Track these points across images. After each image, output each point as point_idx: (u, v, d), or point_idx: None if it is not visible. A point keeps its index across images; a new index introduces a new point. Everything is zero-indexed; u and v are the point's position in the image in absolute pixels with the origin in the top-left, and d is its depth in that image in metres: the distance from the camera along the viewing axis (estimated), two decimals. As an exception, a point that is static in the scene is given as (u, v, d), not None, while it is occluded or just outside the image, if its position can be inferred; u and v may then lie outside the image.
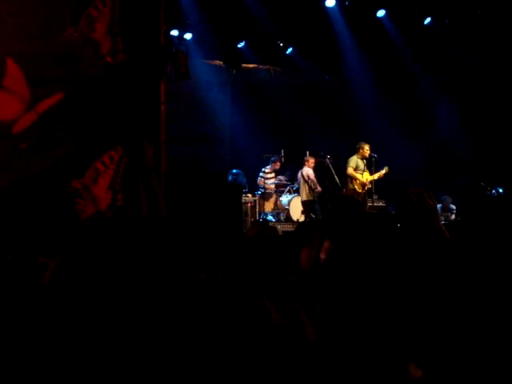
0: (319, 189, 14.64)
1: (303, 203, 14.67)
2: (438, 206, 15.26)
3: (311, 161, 14.84)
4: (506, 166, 15.06)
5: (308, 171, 14.66)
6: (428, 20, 15.82)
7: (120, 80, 8.49)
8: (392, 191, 15.31)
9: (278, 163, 15.27)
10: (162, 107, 8.90)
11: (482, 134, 16.23)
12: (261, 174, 15.34)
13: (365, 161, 14.32)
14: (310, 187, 14.56)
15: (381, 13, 15.62)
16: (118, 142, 8.44)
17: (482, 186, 14.43)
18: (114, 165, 8.37)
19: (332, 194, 14.72)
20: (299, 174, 14.86)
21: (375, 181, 14.45)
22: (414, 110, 17.65)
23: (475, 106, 16.39)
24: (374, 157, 14.33)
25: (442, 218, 14.90)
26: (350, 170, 14.19)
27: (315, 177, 14.70)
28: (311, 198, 14.57)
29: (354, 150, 14.55)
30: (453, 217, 15.06)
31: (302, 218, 14.37)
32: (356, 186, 14.16)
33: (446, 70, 16.73)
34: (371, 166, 14.40)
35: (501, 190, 14.08)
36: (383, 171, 14.47)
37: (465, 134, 16.40)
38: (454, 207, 15.32)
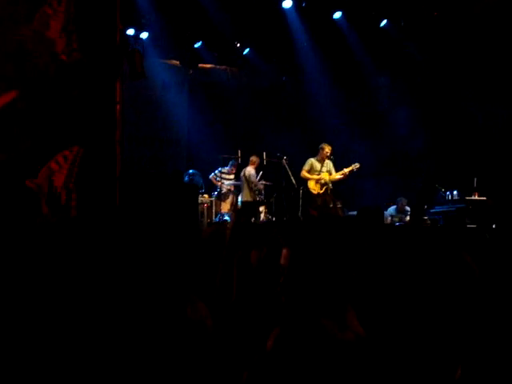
0: (260, 186, 14.60)
1: (243, 203, 14.58)
2: (393, 207, 15.34)
3: (255, 160, 14.80)
4: (462, 168, 15.20)
5: (250, 171, 14.60)
6: (384, 22, 15.94)
7: (75, 79, 8.42)
8: (348, 192, 15.39)
9: (236, 165, 15.26)
10: (118, 107, 8.86)
11: (438, 135, 16.37)
12: (216, 171, 15.29)
13: (326, 162, 14.28)
14: (250, 187, 14.52)
15: (337, 14, 15.70)
16: (72, 142, 8.37)
17: (436, 187, 14.51)
18: (68, 164, 8.31)
19: (288, 194, 14.73)
20: (241, 173, 14.83)
21: (336, 180, 14.37)
22: (371, 111, 17.77)
23: (431, 108, 16.54)
24: (330, 158, 14.31)
25: (396, 220, 15.02)
26: (303, 172, 14.23)
27: (256, 177, 14.65)
28: (251, 199, 14.52)
29: (311, 151, 14.59)
30: (407, 218, 15.12)
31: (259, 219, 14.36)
32: (311, 188, 14.18)
33: (402, 72, 16.87)
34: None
35: (455, 192, 14.18)
36: (350, 168, 14.32)
37: (421, 136, 16.53)
38: (409, 209, 15.37)
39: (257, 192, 14.58)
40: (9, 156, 8.04)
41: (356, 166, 14.35)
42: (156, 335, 2.49)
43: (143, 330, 2.54)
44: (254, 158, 14.82)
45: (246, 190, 14.57)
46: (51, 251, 5.79)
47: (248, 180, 14.50)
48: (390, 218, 15.06)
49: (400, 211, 15.30)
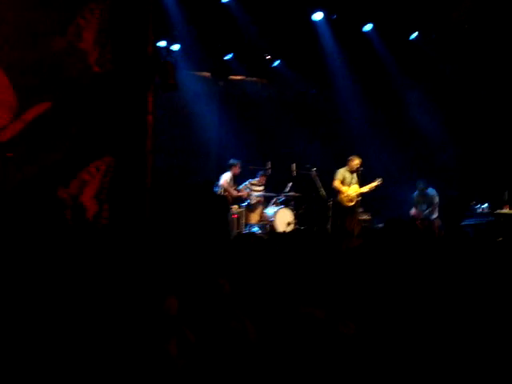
0: (234, 194, 14.52)
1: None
2: (415, 193, 15.30)
3: (234, 164, 14.79)
4: (493, 181, 15.11)
5: (224, 177, 14.63)
6: (414, 35, 15.92)
7: (107, 90, 8.50)
8: (378, 204, 15.33)
9: (265, 176, 15.22)
10: (149, 118, 8.91)
11: (469, 148, 16.30)
12: (246, 183, 15.30)
13: (355, 174, 14.33)
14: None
15: (368, 27, 15.70)
16: (104, 152, 8.45)
17: (467, 200, 14.44)
18: (101, 175, 8.37)
19: (317, 206, 14.72)
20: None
21: (364, 193, 14.41)
22: (401, 123, 17.71)
23: (462, 121, 16.47)
24: (360, 170, 14.33)
25: (424, 208, 14.99)
26: (336, 183, 14.24)
27: (229, 183, 14.57)
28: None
29: (342, 163, 14.58)
30: (435, 201, 15.13)
31: (287, 230, 14.34)
32: (343, 199, 14.18)
33: (432, 84, 16.81)
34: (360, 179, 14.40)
35: (485, 206, 14.08)
36: (375, 183, 14.40)
37: (452, 148, 16.48)
38: (435, 191, 15.27)
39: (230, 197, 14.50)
40: (41, 167, 8.12)
41: (380, 181, 14.38)
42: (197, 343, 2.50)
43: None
44: (232, 162, 14.92)
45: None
46: (83, 261, 5.85)
47: (223, 188, 14.50)
48: (414, 210, 15.08)
49: (422, 195, 15.20)
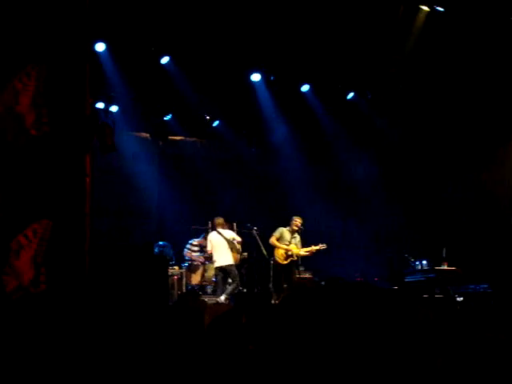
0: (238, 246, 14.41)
1: (230, 267, 13.93)
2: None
3: (221, 222, 14.42)
4: (430, 237, 15.32)
5: (230, 232, 14.36)
6: (351, 95, 16.23)
7: (44, 152, 8.41)
8: (318, 263, 15.34)
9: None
10: (87, 179, 8.83)
11: (408, 206, 16.50)
12: (188, 245, 15.24)
13: (296, 234, 14.28)
14: (237, 250, 14.23)
15: (305, 87, 15.95)
16: (41, 215, 8.32)
17: (405, 257, 14.59)
18: (37, 239, 8.23)
19: (259, 265, 14.69)
20: (215, 237, 14.21)
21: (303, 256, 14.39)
22: (340, 182, 17.90)
23: (401, 179, 16.69)
24: (301, 229, 14.33)
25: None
26: (272, 239, 14.18)
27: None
28: (233, 262, 14.05)
29: (281, 222, 14.61)
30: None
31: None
32: (277, 257, 14.14)
33: (369, 142, 17.06)
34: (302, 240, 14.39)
35: (425, 262, 14.23)
36: (317, 247, 14.37)
37: (392, 206, 16.66)
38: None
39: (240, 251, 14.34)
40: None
41: (323, 246, 14.41)
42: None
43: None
44: (219, 220, 14.49)
45: (230, 253, 14.05)
46: (20, 327, 5.71)
47: (229, 241, 14.15)
48: None
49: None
